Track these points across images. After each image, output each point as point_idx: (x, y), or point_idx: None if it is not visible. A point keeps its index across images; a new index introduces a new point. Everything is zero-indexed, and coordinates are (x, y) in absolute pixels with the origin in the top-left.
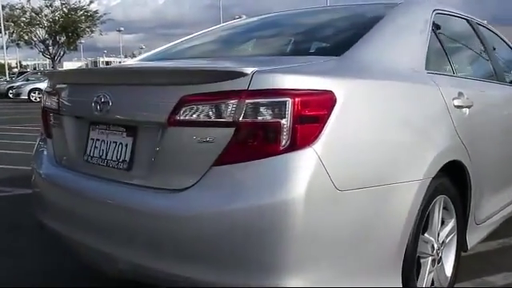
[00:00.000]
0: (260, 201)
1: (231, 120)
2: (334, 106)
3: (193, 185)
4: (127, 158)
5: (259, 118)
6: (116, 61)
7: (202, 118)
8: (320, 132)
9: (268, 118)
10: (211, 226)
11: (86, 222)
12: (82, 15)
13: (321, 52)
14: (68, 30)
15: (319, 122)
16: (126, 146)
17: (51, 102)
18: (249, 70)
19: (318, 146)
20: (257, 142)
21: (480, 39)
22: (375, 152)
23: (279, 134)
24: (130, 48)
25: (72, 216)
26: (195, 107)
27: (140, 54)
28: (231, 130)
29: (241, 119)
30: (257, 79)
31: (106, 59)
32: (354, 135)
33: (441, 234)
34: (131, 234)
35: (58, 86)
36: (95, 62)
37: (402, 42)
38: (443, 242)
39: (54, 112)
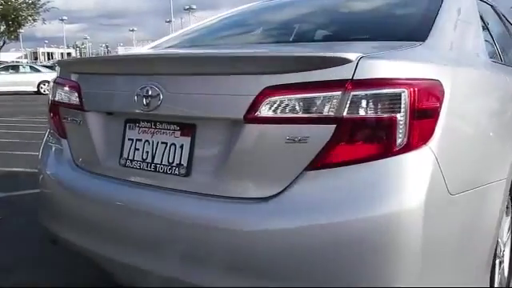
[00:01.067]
0: (371, 211)
1: (332, 115)
2: (443, 97)
3: (279, 193)
4: (184, 162)
5: (368, 112)
6: (58, 52)
7: (293, 113)
8: (434, 128)
9: (380, 112)
10: (307, 241)
11: (126, 237)
12: (22, 2)
13: (400, 36)
14: (8, 18)
15: (433, 116)
16: (182, 147)
17: (68, 96)
18: (353, 56)
19: (434, 144)
20: (365, 141)
21: (506, 27)
22: (476, 149)
23: (394, 131)
24: (72, 38)
25: (106, 229)
26: (283, 101)
27: (83, 44)
28: (331, 128)
29: (345, 115)
30: (363, 67)
31: (48, 50)
32: (459, 131)
33: (505, 235)
34: (192, 251)
35: (79, 76)
36: (35, 53)
37: (467, 27)
38: (505, 242)
39: (72, 107)
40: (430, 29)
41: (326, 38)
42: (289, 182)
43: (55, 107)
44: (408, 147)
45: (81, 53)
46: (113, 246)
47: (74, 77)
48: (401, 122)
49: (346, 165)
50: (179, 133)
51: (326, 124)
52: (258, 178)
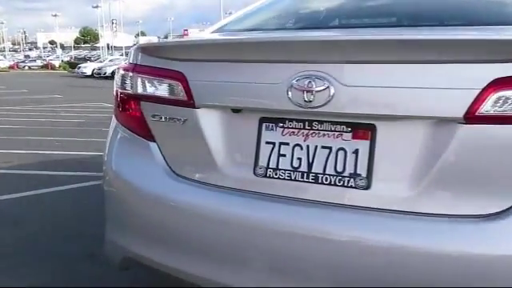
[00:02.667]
0: None
1: None
2: None
3: (507, 209)
4: (361, 171)
5: None
6: None
7: None
8: None
9: None
10: None
11: (272, 265)
12: None
13: None
14: None
15: None
16: (356, 152)
17: (161, 89)
18: None
19: None
20: None
21: None
22: None
23: None
24: None
25: (239, 254)
26: None
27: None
28: None
29: None
30: None
31: None
32: None
33: None
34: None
35: (184, 64)
36: None
37: None
38: None
39: (170, 103)
40: None
41: (488, 22)
42: None
43: (134, 102)
44: None
45: None
46: (248, 274)
47: (174, 65)
48: None
49: None
50: (350, 135)
51: None
52: (477, 189)
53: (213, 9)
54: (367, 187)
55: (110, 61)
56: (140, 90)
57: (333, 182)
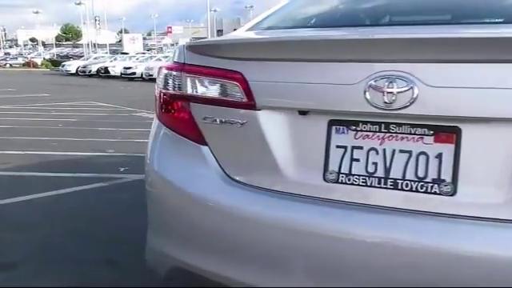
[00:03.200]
0: None
1: None
2: None
3: None
4: (446, 177)
5: None
6: None
7: None
8: None
9: None
10: None
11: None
12: None
13: None
14: None
15: None
16: (439, 157)
17: (216, 89)
18: None
19: None
20: None
21: None
22: None
23: None
24: None
25: (309, 268)
26: None
27: None
28: None
29: None
30: None
31: None
32: None
33: None
34: None
35: (243, 63)
36: None
37: None
38: None
39: (225, 104)
40: None
41: None
42: None
43: (182, 103)
44: None
45: None
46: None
47: (231, 64)
48: None
49: None
50: (432, 138)
51: None
52: None
53: (196, 7)
54: (453, 193)
55: (95, 59)
56: (190, 91)
57: (414, 188)
